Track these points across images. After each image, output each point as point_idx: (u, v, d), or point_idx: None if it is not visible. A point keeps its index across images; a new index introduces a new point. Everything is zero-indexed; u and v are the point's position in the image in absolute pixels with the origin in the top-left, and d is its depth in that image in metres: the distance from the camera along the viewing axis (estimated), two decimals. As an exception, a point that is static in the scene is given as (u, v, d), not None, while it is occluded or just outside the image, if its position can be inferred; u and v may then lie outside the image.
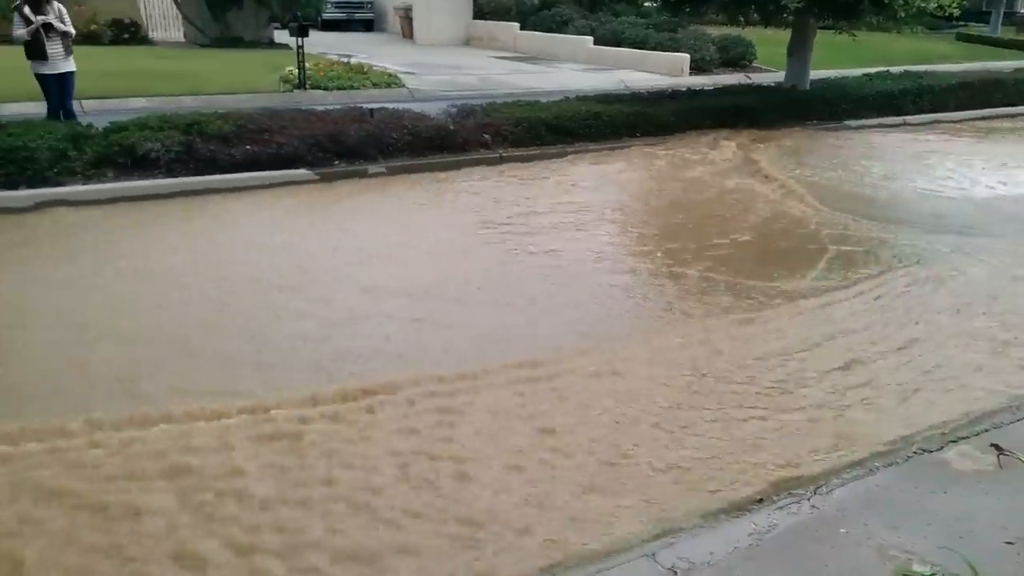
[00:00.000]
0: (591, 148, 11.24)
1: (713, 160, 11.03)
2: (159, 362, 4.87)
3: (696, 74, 18.33)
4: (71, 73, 9.49)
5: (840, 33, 14.41)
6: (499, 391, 4.60)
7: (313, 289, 6.07)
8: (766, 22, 14.51)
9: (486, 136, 10.60)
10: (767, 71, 19.22)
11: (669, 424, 4.31)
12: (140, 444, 3.95)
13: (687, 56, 18.60)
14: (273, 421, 4.17)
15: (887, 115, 14.38)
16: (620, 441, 4.13)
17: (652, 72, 18.46)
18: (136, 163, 8.62)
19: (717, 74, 18.68)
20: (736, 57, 19.82)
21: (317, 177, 9.17)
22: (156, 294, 5.87)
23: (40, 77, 9.34)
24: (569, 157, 10.84)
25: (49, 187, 7.96)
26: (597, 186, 9.63)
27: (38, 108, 9.89)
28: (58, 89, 9.45)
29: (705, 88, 14.83)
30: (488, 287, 6.27)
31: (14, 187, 7.81)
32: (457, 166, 9.99)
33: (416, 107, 11.40)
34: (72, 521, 3.41)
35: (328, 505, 3.56)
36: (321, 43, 19.58)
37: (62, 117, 9.50)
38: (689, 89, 14.52)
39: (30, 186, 7.87)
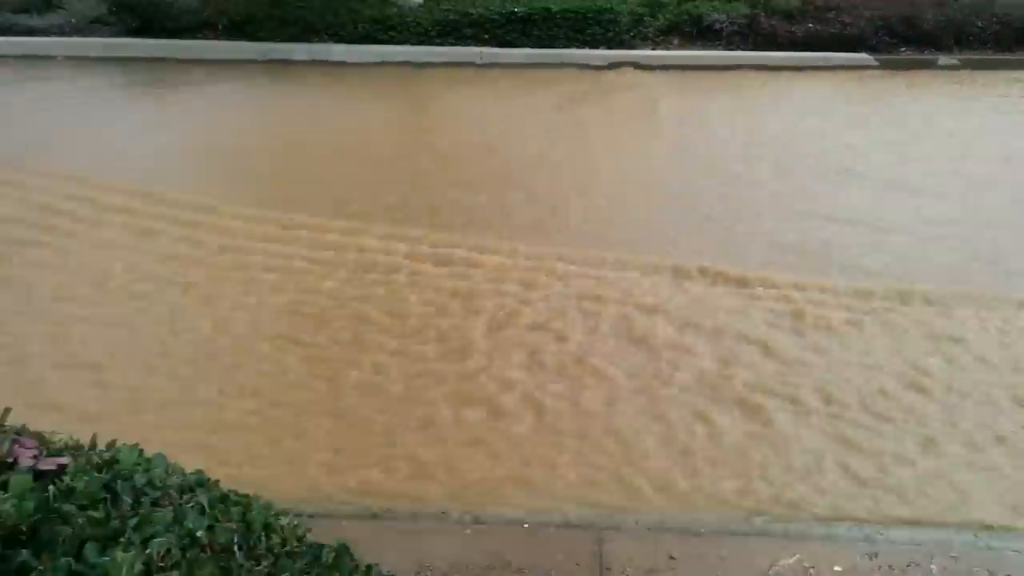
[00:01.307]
0: None
1: None
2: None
3: None
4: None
5: None
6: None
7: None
8: None
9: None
10: None
11: None
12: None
13: None
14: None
15: None
16: None
17: None
18: (700, 33, 8.94)
19: None
20: None
21: (878, 64, 8.51)
22: (703, 163, 6.06)
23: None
24: None
25: (623, 49, 8.70)
26: None
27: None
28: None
29: None
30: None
31: (595, 47, 8.70)
32: (1056, 67, 8.41)
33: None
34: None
35: None
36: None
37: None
38: None
39: (608, 47, 8.70)
